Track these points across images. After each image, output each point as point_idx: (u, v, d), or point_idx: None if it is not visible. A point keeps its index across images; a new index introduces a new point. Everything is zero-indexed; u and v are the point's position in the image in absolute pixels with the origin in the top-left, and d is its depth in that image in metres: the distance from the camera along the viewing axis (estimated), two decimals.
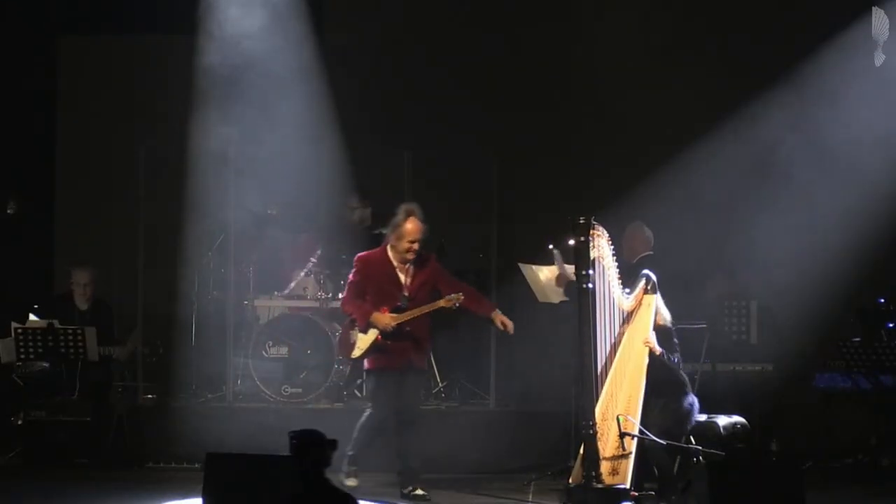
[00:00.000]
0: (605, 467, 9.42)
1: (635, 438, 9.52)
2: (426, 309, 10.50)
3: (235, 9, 12.84)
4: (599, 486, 9.37)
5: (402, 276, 10.57)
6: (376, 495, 10.41)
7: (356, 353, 10.60)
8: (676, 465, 10.17)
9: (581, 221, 9.56)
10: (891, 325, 11.75)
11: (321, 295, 12.74)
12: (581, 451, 9.49)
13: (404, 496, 10.46)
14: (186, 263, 12.97)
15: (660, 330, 10.06)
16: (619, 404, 9.70)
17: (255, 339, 12.54)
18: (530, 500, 10.72)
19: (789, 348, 11.96)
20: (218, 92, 12.74)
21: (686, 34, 13.28)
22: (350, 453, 10.50)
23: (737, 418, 10.45)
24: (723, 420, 10.36)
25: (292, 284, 12.91)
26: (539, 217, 12.97)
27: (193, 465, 11.22)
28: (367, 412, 10.59)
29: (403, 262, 10.56)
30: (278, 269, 13.04)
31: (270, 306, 12.96)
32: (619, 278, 9.97)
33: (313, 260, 12.84)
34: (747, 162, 12.94)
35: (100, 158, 13.93)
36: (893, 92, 12.58)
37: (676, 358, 10.08)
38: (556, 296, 11.33)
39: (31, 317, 12.22)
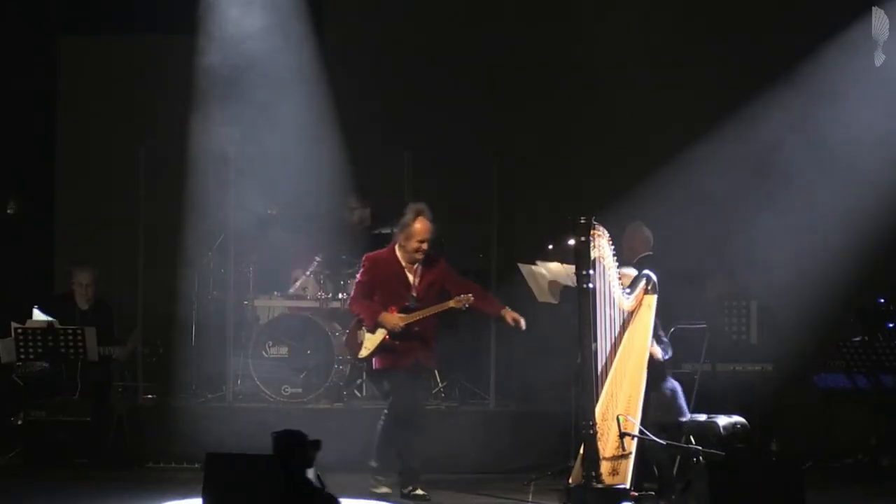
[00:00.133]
0: (605, 467, 9.40)
1: (635, 438, 9.52)
2: (436, 309, 10.48)
3: (235, 9, 12.85)
4: (599, 486, 9.34)
5: (410, 277, 10.55)
6: (376, 495, 10.44)
7: (363, 352, 10.57)
8: (676, 465, 10.17)
9: (581, 221, 9.54)
10: (891, 325, 11.74)
11: (321, 295, 12.74)
12: (581, 451, 9.47)
13: (404, 496, 10.43)
14: (186, 263, 12.97)
15: None
16: (620, 404, 9.69)
17: (255, 339, 12.53)
18: (530, 500, 10.71)
19: (789, 348, 11.94)
20: (218, 92, 12.74)
21: (686, 34, 13.29)
22: (373, 465, 10.48)
23: (737, 418, 10.44)
24: (723, 420, 10.34)
25: (297, 284, 12.91)
26: (539, 217, 12.98)
27: (193, 465, 11.22)
28: (384, 414, 10.52)
29: (412, 262, 10.53)
30: (278, 269, 13.04)
31: (270, 306, 12.95)
32: (619, 278, 9.98)
33: (318, 259, 12.83)
34: (747, 162, 12.93)
35: (100, 158, 13.94)
36: (893, 92, 12.58)
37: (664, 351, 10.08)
38: (556, 296, 11.35)
39: (36, 312, 12.20)
